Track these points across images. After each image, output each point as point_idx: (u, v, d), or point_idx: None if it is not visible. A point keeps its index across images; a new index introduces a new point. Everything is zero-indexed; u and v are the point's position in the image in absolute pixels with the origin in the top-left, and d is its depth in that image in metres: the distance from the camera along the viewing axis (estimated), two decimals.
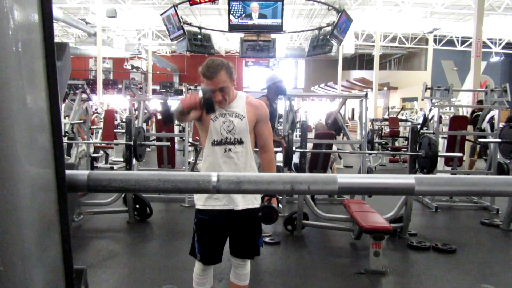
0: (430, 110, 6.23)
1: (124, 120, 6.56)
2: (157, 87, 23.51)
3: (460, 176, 0.57)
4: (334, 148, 5.81)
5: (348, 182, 0.53)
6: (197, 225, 2.07)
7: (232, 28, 8.88)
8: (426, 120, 6.41)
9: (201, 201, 2.04)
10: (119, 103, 15.45)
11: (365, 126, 5.33)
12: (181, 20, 8.54)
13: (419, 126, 5.30)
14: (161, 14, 8.79)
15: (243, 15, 8.74)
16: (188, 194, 5.25)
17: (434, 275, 3.24)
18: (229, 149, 2.03)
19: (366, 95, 4.90)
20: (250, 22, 8.77)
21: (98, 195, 4.81)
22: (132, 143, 4.35)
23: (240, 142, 2.03)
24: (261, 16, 8.73)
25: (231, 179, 0.55)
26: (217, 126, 2.01)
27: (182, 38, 8.87)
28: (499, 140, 4.91)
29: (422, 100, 6.93)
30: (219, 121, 2.01)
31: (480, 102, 7.43)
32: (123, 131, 5.56)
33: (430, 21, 17.18)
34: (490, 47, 19.54)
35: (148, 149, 7.28)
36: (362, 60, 28.13)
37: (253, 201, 2.07)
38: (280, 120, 6.53)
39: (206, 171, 2.04)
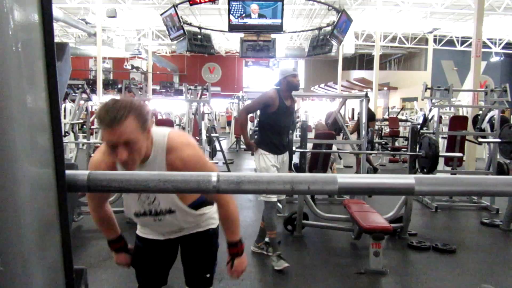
0: (430, 110, 6.23)
1: None
2: (157, 87, 23.57)
3: (460, 176, 0.57)
4: (334, 148, 5.81)
5: (348, 182, 0.53)
6: (134, 251, 1.87)
7: (232, 28, 8.89)
8: (426, 120, 6.41)
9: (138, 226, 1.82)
10: None
11: (365, 126, 5.34)
12: (181, 20, 8.55)
13: (419, 126, 5.30)
14: (161, 14, 8.79)
15: (243, 15, 8.75)
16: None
17: (434, 275, 3.24)
18: (159, 219, 1.62)
19: (366, 95, 4.90)
20: (250, 22, 8.78)
21: None
22: None
23: (170, 211, 1.57)
24: (261, 16, 8.74)
25: (231, 179, 0.55)
26: (133, 197, 1.56)
27: (182, 38, 8.88)
28: (499, 140, 4.91)
29: (422, 100, 6.93)
30: (133, 194, 1.55)
31: None
32: None
33: (430, 21, 17.17)
34: (490, 47, 19.54)
35: None
36: (362, 60, 28.13)
37: (199, 225, 1.72)
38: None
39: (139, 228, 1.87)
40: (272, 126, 3.46)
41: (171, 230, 1.72)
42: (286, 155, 3.59)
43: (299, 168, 4.55)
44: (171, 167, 1.41)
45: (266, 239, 3.74)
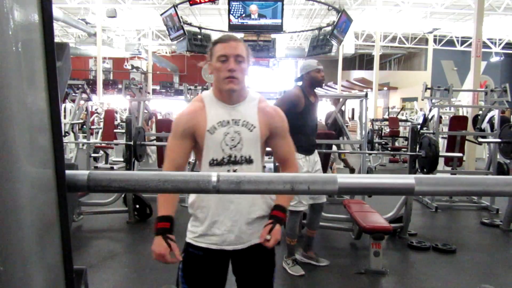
0: (430, 110, 6.23)
1: (124, 120, 6.56)
2: (157, 87, 23.58)
3: (460, 176, 0.57)
4: (334, 148, 5.81)
5: (348, 182, 0.53)
6: (186, 264, 1.56)
7: (232, 28, 8.89)
8: (426, 120, 6.41)
9: (193, 234, 1.56)
10: (119, 103, 15.46)
11: (365, 126, 5.33)
12: (181, 20, 8.55)
13: (419, 126, 5.30)
14: (161, 14, 8.80)
15: (243, 15, 8.75)
16: (188, 194, 5.24)
17: (434, 275, 3.24)
18: (234, 171, 1.50)
19: (366, 95, 4.90)
20: (250, 22, 8.78)
21: (98, 195, 4.81)
22: (132, 143, 4.35)
23: (249, 161, 1.49)
24: (261, 16, 8.74)
25: (231, 179, 0.55)
26: (217, 139, 1.46)
27: (182, 38, 8.88)
28: (499, 140, 4.91)
29: (422, 100, 6.93)
30: (220, 133, 1.47)
31: None
32: (123, 131, 5.57)
33: (430, 21, 17.18)
34: (490, 47, 19.54)
35: (149, 152, 7.28)
36: (362, 60, 28.13)
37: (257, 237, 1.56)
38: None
39: (197, 207, 1.54)
40: (299, 127, 3.15)
41: (238, 217, 1.50)
42: (316, 155, 3.37)
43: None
44: (263, 112, 1.54)
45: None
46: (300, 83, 3.29)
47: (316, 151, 3.38)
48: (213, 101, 1.53)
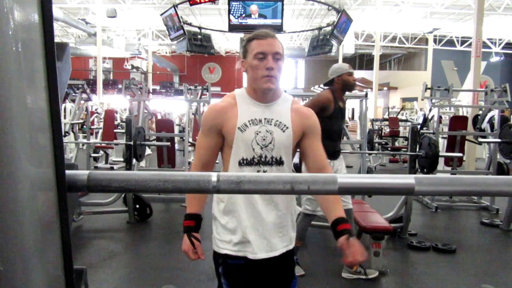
0: (430, 110, 6.23)
1: (124, 120, 6.56)
2: (157, 87, 23.58)
3: (460, 176, 0.57)
4: None
5: (348, 182, 0.53)
6: (230, 275, 1.49)
7: (232, 28, 8.89)
8: (426, 120, 6.41)
9: (227, 243, 1.47)
10: (119, 103, 15.47)
11: (365, 126, 5.33)
12: (181, 20, 8.55)
13: (419, 126, 5.30)
14: (161, 14, 8.80)
15: (243, 15, 8.75)
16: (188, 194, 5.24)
17: (434, 275, 3.24)
18: (264, 172, 1.43)
19: (366, 95, 4.90)
20: (250, 22, 8.78)
21: (98, 195, 4.81)
22: (132, 143, 4.35)
23: (280, 162, 1.44)
24: (261, 16, 8.74)
25: (231, 179, 0.55)
26: (247, 138, 1.40)
27: (182, 38, 8.88)
28: (499, 140, 4.91)
29: (422, 100, 6.93)
30: (251, 131, 1.41)
31: None
32: (123, 131, 5.57)
33: (430, 21, 17.18)
34: (490, 47, 19.54)
35: (149, 151, 7.28)
36: (362, 60, 28.13)
37: (291, 240, 1.55)
38: None
39: (227, 214, 1.47)
40: (326, 131, 3.04)
41: (265, 207, 1.44)
42: (341, 159, 3.31)
43: (299, 168, 4.55)
44: (296, 113, 1.49)
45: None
46: (330, 87, 3.16)
47: (341, 155, 3.31)
48: (246, 99, 1.47)
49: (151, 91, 20.25)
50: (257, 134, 1.42)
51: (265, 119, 1.44)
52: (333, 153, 3.15)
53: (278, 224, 1.47)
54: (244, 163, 1.42)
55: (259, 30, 1.47)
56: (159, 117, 10.94)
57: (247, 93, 1.48)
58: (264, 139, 1.42)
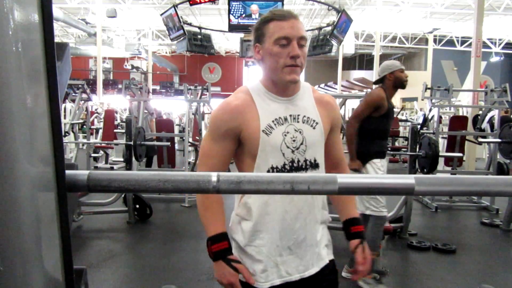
0: (430, 110, 6.23)
1: (124, 120, 6.56)
2: (157, 87, 23.58)
3: (460, 176, 0.57)
4: None
5: (348, 182, 0.53)
6: None
7: (232, 28, 8.89)
8: (426, 120, 6.41)
9: (257, 276, 1.22)
10: (119, 103, 15.47)
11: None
12: (181, 20, 8.56)
13: (419, 126, 5.30)
14: (161, 14, 8.80)
15: (243, 15, 8.75)
16: (188, 194, 5.25)
17: (434, 275, 3.24)
18: None
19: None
20: (250, 22, 8.78)
21: (98, 195, 4.82)
22: (132, 143, 4.36)
23: (315, 165, 1.24)
24: (261, 16, 8.75)
25: (231, 179, 0.55)
26: (275, 141, 1.18)
27: (182, 38, 8.89)
28: (499, 140, 4.91)
29: (422, 100, 6.93)
30: (277, 133, 1.19)
31: None
32: (123, 131, 5.57)
33: (430, 21, 17.18)
34: (490, 47, 19.54)
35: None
36: (362, 60, 28.13)
37: (328, 254, 1.33)
38: None
39: (252, 230, 1.22)
40: (379, 131, 2.98)
41: (303, 227, 1.23)
42: (386, 160, 3.22)
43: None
44: (321, 103, 1.28)
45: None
46: (380, 85, 3.02)
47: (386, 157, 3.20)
48: (263, 94, 1.23)
49: (151, 91, 20.25)
50: (285, 135, 1.19)
51: (290, 116, 1.22)
52: (383, 153, 3.05)
53: (312, 238, 1.27)
54: (275, 172, 1.20)
55: (276, 9, 1.25)
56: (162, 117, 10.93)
57: (264, 86, 1.24)
58: (294, 140, 1.20)
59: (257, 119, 1.19)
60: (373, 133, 2.97)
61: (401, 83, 3.01)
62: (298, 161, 1.21)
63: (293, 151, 1.20)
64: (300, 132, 1.21)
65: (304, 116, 1.23)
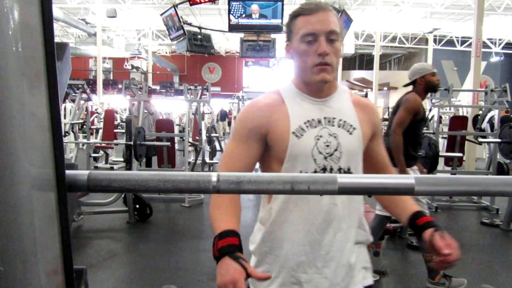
0: (430, 110, 6.23)
1: (124, 120, 6.57)
2: (157, 87, 23.57)
3: (460, 176, 0.57)
4: None
5: (348, 182, 0.53)
6: None
7: (232, 28, 8.89)
8: (426, 120, 6.41)
9: None
10: (119, 103, 15.47)
11: None
12: (181, 20, 8.55)
13: None
14: (161, 14, 8.80)
15: (243, 15, 8.75)
16: (188, 194, 5.25)
17: None
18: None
19: (366, 95, 4.90)
20: (250, 22, 8.78)
21: (98, 195, 4.82)
22: (132, 143, 4.36)
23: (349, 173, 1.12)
24: (261, 16, 8.74)
25: (231, 179, 0.55)
26: (306, 145, 1.07)
27: (182, 38, 8.88)
28: (499, 140, 4.91)
29: (422, 100, 6.92)
30: (309, 136, 1.08)
31: None
32: (123, 131, 5.57)
33: (430, 21, 17.18)
34: (490, 47, 19.54)
35: None
36: (362, 60, 28.13)
37: (364, 277, 1.16)
38: None
39: (271, 237, 1.12)
40: (418, 136, 2.96)
41: (336, 242, 1.10)
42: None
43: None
44: (360, 107, 1.16)
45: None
46: (413, 89, 2.95)
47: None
48: (295, 94, 1.13)
49: (147, 90, 20.25)
50: (318, 139, 1.08)
51: (325, 118, 1.10)
52: (416, 157, 3.02)
53: (344, 258, 1.11)
54: None
55: (306, 2, 1.12)
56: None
57: (296, 86, 1.14)
58: (327, 146, 1.08)
59: (287, 119, 1.09)
60: (413, 138, 2.93)
61: (433, 87, 2.93)
62: (331, 169, 1.08)
63: (325, 158, 1.08)
64: (335, 137, 1.09)
65: (341, 120, 1.11)
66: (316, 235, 1.08)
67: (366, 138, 1.15)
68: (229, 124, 16.85)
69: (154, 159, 6.28)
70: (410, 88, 3.09)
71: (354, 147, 1.11)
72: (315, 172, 1.08)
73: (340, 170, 1.09)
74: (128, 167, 4.48)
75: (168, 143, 5.39)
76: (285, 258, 1.09)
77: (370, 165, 1.20)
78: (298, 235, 1.09)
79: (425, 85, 2.92)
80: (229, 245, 0.95)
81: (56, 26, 17.14)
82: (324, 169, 1.08)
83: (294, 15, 1.10)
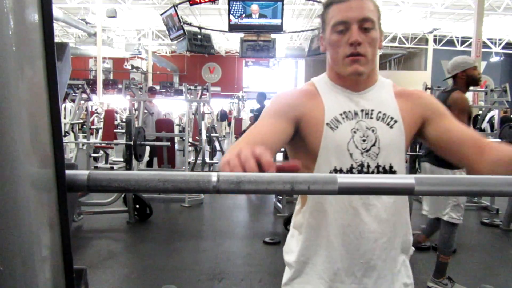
0: None
1: (124, 120, 6.57)
2: (157, 87, 23.57)
3: (460, 176, 0.57)
4: None
5: (348, 182, 0.53)
6: None
7: (232, 28, 8.90)
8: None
9: None
10: (119, 103, 15.47)
11: None
12: (181, 20, 8.56)
13: None
14: (161, 14, 8.81)
15: (243, 15, 8.76)
16: (188, 194, 5.25)
17: None
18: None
19: None
20: (250, 22, 8.79)
21: (98, 195, 4.82)
22: (132, 143, 4.36)
23: (391, 174, 1.01)
24: (261, 16, 8.75)
25: (231, 179, 0.55)
26: (341, 138, 0.99)
27: (182, 38, 8.90)
28: (499, 140, 4.92)
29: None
30: (345, 128, 1.00)
31: None
32: (123, 131, 5.57)
33: (430, 21, 17.18)
34: (490, 47, 19.54)
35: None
36: None
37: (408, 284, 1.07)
38: None
39: (306, 244, 1.04)
40: None
41: (374, 249, 1.00)
42: None
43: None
44: (402, 97, 1.06)
45: (266, 239, 3.69)
46: (455, 85, 2.79)
47: None
48: (330, 86, 1.06)
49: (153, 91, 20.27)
50: (355, 133, 0.99)
51: (362, 110, 1.01)
52: None
53: (387, 268, 1.02)
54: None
55: None
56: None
57: (330, 79, 1.07)
58: (364, 140, 0.99)
59: (321, 109, 1.00)
60: None
61: (474, 81, 2.81)
62: (369, 166, 0.99)
63: (362, 153, 0.99)
64: (372, 131, 0.99)
65: (380, 112, 1.01)
66: (354, 240, 0.98)
67: (411, 132, 1.03)
68: (229, 124, 16.86)
69: (154, 159, 6.28)
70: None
71: (394, 142, 1.00)
72: (351, 169, 0.98)
73: (378, 168, 0.99)
74: (128, 167, 4.48)
75: (168, 143, 5.39)
76: (322, 267, 1.01)
77: (458, 146, 0.98)
78: (334, 240, 1.00)
79: (466, 80, 2.82)
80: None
81: (56, 26, 17.14)
82: (361, 165, 0.99)
83: (327, 4, 1.03)
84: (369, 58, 0.99)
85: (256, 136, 0.95)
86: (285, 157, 4.52)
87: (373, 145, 0.99)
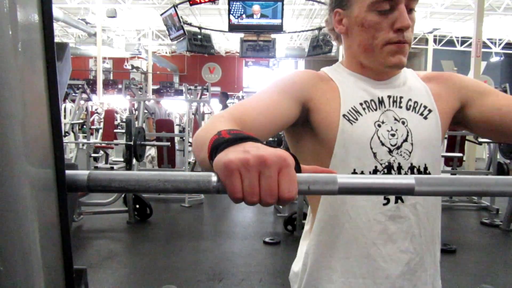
0: None
1: (124, 120, 6.57)
2: (157, 87, 23.57)
3: (460, 176, 0.57)
4: None
5: (348, 182, 0.53)
6: None
7: (232, 28, 8.90)
8: None
9: None
10: (119, 103, 15.47)
11: None
12: (181, 20, 8.56)
13: None
14: (161, 14, 8.81)
15: (243, 15, 8.75)
16: (188, 194, 5.25)
17: None
18: (402, 202, 0.80)
19: None
20: (250, 22, 8.79)
21: (98, 195, 4.82)
22: (132, 143, 4.36)
23: (425, 173, 0.82)
24: (261, 16, 8.75)
25: None
26: (362, 133, 0.80)
27: (182, 38, 8.89)
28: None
29: None
30: (367, 121, 0.81)
31: None
32: (123, 131, 5.57)
33: (430, 21, 17.17)
34: (490, 47, 19.54)
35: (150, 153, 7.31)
36: None
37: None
38: None
39: (319, 267, 0.84)
40: None
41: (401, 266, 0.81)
42: None
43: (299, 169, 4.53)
44: (434, 83, 0.87)
45: (266, 239, 3.67)
46: None
47: None
48: (346, 73, 0.87)
49: (150, 91, 20.24)
50: (380, 126, 0.80)
51: (389, 97, 0.82)
52: None
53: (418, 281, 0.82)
54: None
55: None
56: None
57: (347, 68, 0.88)
58: (393, 135, 0.80)
59: (337, 97, 0.81)
60: None
61: None
62: (400, 167, 0.80)
63: (390, 151, 0.80)
64: (403, 123, 0.81)
65: (410, 99, 0.83)
66: (380, 263, 0.79)
67: (448, 120, 0.85)
68: None
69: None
70: None
71: (430, 136, 0.82)
72: (375, 171, 0.79)
73: (412, 169, 0.80)
74: (128, 167, 4.48)
75: (168, 143, 5.39)
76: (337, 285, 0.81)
77: (507, 129, 0.79)
78: (355, 262, 0.80)
79: None
80: (249, 136, 0.54)
81: (56, 26, 17.14)
82: (389, 167, 0.79)
83: None
84: (410, 47, 0.81)
85: (250, 112, 0.73)
86: (278, 145, 4.50)
87: (405, 140, 0.80)
